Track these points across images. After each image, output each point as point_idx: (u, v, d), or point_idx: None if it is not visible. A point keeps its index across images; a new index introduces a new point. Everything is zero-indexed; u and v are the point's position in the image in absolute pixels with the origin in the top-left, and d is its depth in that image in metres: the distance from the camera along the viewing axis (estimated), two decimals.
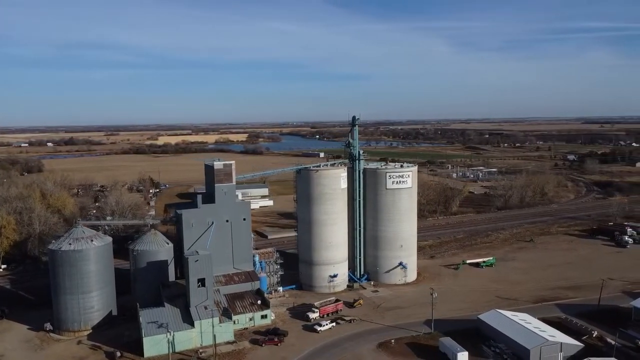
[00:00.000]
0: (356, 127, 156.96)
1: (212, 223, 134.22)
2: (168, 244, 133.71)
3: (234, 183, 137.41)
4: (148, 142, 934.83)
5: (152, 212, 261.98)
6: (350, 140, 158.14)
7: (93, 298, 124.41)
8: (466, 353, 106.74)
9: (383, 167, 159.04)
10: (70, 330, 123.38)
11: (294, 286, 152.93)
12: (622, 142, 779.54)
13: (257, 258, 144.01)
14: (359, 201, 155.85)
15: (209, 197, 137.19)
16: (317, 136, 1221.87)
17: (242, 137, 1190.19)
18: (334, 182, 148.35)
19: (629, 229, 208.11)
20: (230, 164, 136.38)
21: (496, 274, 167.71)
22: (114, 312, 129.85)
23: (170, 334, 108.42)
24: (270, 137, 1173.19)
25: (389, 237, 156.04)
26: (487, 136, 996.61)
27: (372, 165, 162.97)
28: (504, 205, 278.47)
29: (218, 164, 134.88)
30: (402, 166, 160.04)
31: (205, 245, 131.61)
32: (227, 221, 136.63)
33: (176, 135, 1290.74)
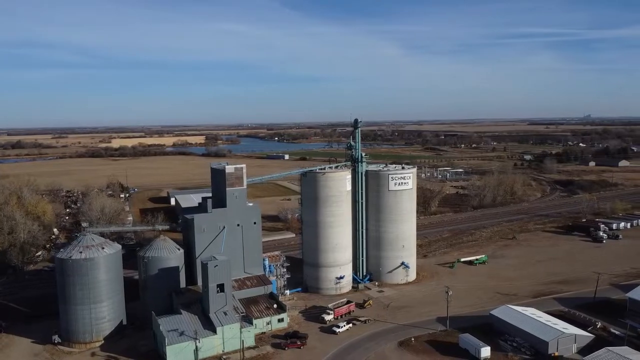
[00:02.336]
0: (358, 130, 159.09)
1: (224, 227, 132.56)
2: (179, 249, 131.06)
3: (245, 187, 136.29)
4: (102, 145, 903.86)
5: (130, 218, 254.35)
6: (352, 143, 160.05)
7: (104, 308, 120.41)
8: (489, 348, 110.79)
9: (385, 169, 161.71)
10: (81, 341, 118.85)
11: (299, 289, 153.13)
12: (570, 142, 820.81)
13: (267, 262, 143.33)
14: (362, 203, 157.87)
15: (219, 202, 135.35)
16: (276, 138, 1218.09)
17: (200, 139, 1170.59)
18: (340, 184, 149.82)
19: (602, 225, 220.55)
20: (242, 168, 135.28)
21: (490, 270, 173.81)
22: (124, 322, 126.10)
23: (199, 341, 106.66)
24: (229, 140, 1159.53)
25: (391, 237, 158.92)
26: (443, 137, 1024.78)
27: (373, 167, 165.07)
28: (479, 204, 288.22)
29: (229, 168, 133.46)
30: (403, 168, 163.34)
31: (218, 250, 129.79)
32: (238, 225, 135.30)
33: (129, 137, 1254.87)
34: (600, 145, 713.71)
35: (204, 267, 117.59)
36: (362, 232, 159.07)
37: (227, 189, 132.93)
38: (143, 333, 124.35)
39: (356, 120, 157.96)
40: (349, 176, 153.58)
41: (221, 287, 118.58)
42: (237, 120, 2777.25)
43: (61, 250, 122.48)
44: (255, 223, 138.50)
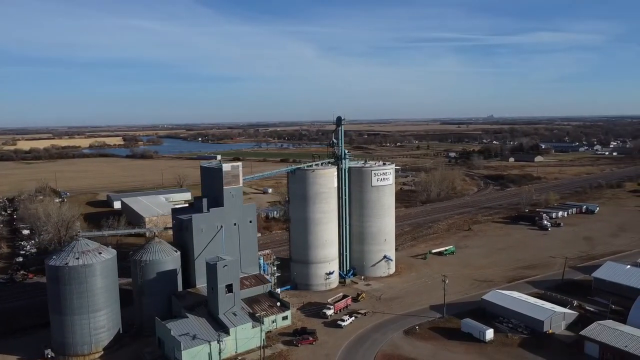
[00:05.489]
0: (341, 128, 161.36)
1: (221, 227, 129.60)
2: (176, 252, 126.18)
3: (241, 185, 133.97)
4: (9, 148, 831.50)
5: (78, 223, 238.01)
6: (334, 140, 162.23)
7: (102, 316, 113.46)
8: (492, 330, 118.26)
9: (368, 165, 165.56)
10: (79, 354, 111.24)
11: (289, 287, 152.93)
12: (484, 140, 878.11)
13: (261, 260, 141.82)
14: (345, 199, 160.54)
15: (214, 201, 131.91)
16: (200, 139, 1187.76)
17: (117, 140, 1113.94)
18: (329, 181, 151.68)
19: (544, 215, 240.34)
20: (238, 166, 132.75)
21: (460, 260, 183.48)
22: (121, 330, 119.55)
23: (223, 343, 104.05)
24: (150, 140, 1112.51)
25: (374, 232, 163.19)
26: (366, 136, 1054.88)
27: (353, 163, 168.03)
28: (426, 199, 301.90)
29: (226, 166, 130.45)
30: (384, 164, 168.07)
31: (216, 250, 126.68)
32: (235, 224, 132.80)
33: (35, 139, 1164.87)
34: (512, 142, 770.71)
35: (212, 267, 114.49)
36: (345, 227, 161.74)
37: (224, 187, 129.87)
38: (143, 340, 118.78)
39: (339, 118, 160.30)
40: (336, 173, 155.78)
41: (229, 288, 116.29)
42: (151, 121, 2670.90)
43: (53, 257, 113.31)
44: (251, 222, 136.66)
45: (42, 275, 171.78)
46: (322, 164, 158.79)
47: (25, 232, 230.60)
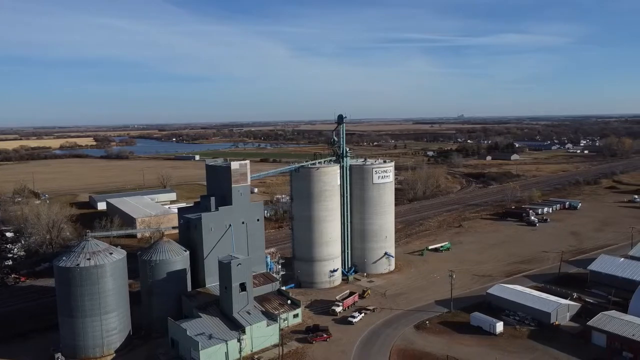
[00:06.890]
0: (343, 126, 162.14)
1: (230, 226, 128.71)
2: (185, 251, 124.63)
3: (249, 183, 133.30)
4: None
5: (65, 225, 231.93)
6: (335, 139, 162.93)
7: (114, 318, 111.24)
8: (502, 323, 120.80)
9: (368, 163, 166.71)
10: (91, 357, 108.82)
11: (292, 285, 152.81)
12: (459, 140, 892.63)
13: (268, 259, 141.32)
14: (346, 197, 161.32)
15: (221, 199, 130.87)
16: (174, 139, 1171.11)
17: (88, 141, 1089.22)
18: (333, 178, 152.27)
19: (531, 211, 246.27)
20: (246, 164, 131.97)
21: (456, 256, 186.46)
22: (131, 332, 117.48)
23: (243, 341, 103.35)
24: (123, 141, 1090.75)
25: (375, 229, 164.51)
26: None
27: (353, 161, 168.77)
28: (413, 197, 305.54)
29: (234, 164, 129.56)
30: (385, 162, 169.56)
31: (224, 249, 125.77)
32: (243, 223, 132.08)
33: (1, 140, 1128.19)
34: (487, 141, 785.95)
35: (226, 266, 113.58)
36: (347, 225, 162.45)
37: (232, 186, 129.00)
38: (154, 341, 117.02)
39: (340, 116, 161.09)
40: (338, 171, 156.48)
41: (242, 287, 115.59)
42: (122, 121, 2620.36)
43: (63, 258, 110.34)
44: (258, 220, 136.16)
45: (35, 279, 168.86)
46: (324, 162, 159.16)
47: (9, 234, 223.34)
